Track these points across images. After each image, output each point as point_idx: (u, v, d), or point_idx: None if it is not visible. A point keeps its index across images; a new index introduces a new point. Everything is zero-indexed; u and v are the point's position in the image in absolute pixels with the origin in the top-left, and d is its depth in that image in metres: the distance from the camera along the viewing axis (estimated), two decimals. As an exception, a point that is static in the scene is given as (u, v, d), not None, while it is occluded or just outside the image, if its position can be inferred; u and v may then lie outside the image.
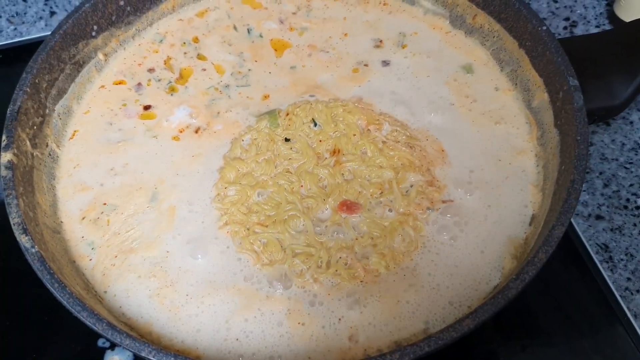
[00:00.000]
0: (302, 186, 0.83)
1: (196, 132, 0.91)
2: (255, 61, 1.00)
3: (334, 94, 0.95)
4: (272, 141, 0.88)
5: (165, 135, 0.91)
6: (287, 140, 0.88)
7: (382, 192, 0.82)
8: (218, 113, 0.93)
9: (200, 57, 1.01)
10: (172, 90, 0.96)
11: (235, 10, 1.07)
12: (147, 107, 0.94)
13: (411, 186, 0.83)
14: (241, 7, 1.07)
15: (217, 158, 0.88)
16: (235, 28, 1.04)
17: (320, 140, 0.87)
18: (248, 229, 0.80)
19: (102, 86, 0.96)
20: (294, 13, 1.06)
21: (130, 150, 0.89)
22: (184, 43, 1.02)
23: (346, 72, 0.98)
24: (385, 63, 0.99)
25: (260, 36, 1.03)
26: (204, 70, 0.99)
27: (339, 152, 0.86)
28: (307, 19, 1.05)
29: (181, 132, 0.91)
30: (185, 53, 1.01)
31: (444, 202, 0.82)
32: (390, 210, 0.81)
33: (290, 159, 0.86)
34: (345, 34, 1.03)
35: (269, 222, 0.80)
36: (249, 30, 1.04)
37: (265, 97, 0.95)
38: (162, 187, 0.86)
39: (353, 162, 0.85)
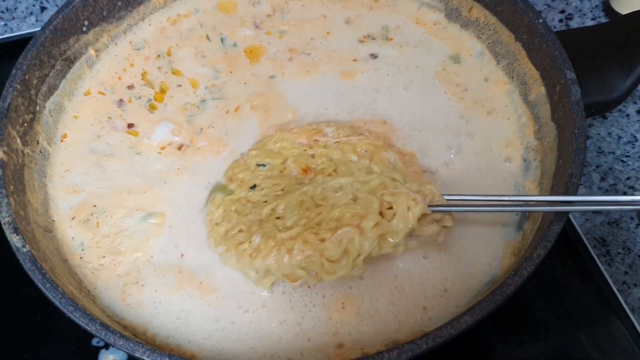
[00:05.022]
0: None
1: (179, 149, 0.88)
2: (231, 72, 0.96)
3: (320, 98, 0.92)
4: (240, 202, 0.81)
5: (148, 152, 0.88)
6: (253, 187, 0.82)
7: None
8: (201, 129, 0.90)
9: (174, 72, 0.97)
10: (152, 108, 0.93)
11: (208, 18, 1.03)
12: (130, 125, 0.91)
13: (392, 162, 0.82)
14: (215, 13, 1.04)
15: (204, 173, 0.86)
16: (208, 38, 1.01)
17: (281, 171, 0.83)
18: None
19: (88, 92, 0.94)
20: (269, 15, 1.03)
21: (117, 161, 0.87)
22: (158, 56, 0.99)
23: (334, 71, 0.95)
24: (373, 56, 0.98)
25: (235, 45, 1.00)
26: (180, 86, 0.95)
27: (309, 170, 0.82)
28: (284, 21, 1.02)
29: (162, 149, 0.89)
30: (159, 68, 0.97)
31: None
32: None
33: (267, 201, 0.80)
34: (328, 33, 1.00)
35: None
36: (222, 40, 1.01)
37: (237, 109, 0.92)
38: (151, 193, 0.84)
39: (326, 170, 0.82)
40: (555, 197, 0.71)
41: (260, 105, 0.92)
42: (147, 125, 0.91)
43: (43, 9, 1.27)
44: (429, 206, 0.74)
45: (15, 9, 1.27)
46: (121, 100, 0.94)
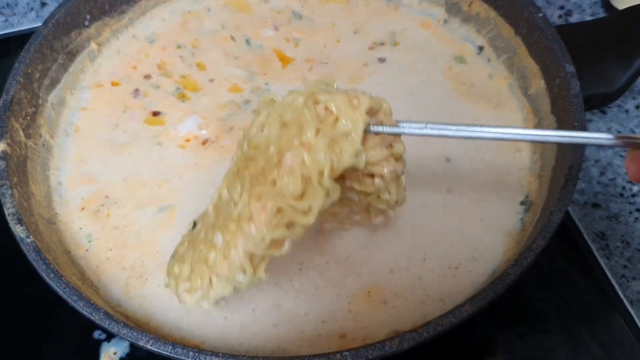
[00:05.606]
0: None
1: (203, 144, 0.88)
2: (264, 74, 0.96)
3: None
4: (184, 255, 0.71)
5: (170, 143, 0.89)
6: (194, 225, 0.73)
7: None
8: (231, 128, 0.89)
9: (199, 64, 0.97)
10: (182, 97, 0.93)
11: (226, 17, 1.03)
12: (155, 114, 0.92)
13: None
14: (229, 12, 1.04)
15: (220, 172, 0.84)
16: (232, 38, 1.01)
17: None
18: None
19: (100, 85, 0.95)
20: (279, 12, 1.03)
21: (134, 152, 0.88)
22: (179, 47, 0.99)
23: (346, 80, 0.95)
24: (381, 60, 0.98)
25: (261, 47, 1.00)
26: (212, 81, 0.95)
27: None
28: (296, 28, 1.02)
29: (187, 141, 0.89)
30: (181, 57, 0.98)
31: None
32: None
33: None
34: (338, 41, 1.01)
35: None
36: (247, 41, 1.00)
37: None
38: (166, 187, 0.84)
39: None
40: (539, 130, 0.67)
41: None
42: (178, 115, 0.91)
43: (44, 4, 1.28)
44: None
45: (16, 4, 1.27)
46: (137, 90, 0.94)
